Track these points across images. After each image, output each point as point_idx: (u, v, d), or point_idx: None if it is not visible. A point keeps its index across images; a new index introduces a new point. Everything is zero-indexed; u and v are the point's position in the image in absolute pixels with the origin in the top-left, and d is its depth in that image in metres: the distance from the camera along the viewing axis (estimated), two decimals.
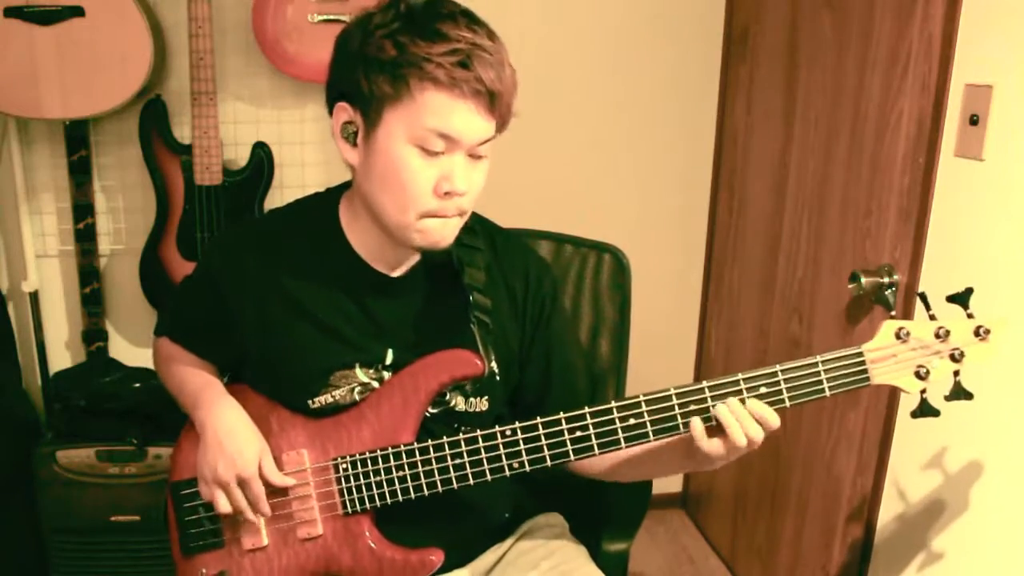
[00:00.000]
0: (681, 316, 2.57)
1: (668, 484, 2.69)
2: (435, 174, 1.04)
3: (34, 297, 2.16)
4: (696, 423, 1.04)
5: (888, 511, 1.70)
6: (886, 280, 1.63)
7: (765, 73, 2.16)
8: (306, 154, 2.20)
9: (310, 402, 1.16)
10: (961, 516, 1.51)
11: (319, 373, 1.15)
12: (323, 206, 1.19)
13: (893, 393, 1.66)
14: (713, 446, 1.05)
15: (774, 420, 1.05)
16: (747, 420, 1.04)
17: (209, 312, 1.20)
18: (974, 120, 1.43)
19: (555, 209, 2.00)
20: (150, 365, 2.09)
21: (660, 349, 2.52)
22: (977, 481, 1.47)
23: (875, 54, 1.69)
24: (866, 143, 1.73)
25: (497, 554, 1.29)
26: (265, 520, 1.16)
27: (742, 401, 1.04)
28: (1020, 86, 1.35)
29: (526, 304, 1.23)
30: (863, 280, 1.64)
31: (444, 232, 1.08)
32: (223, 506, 1.13)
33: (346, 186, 1.19)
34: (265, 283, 1.16)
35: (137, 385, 2.05)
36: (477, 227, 1.21)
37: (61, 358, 2.25)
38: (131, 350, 2.26)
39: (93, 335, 2.18)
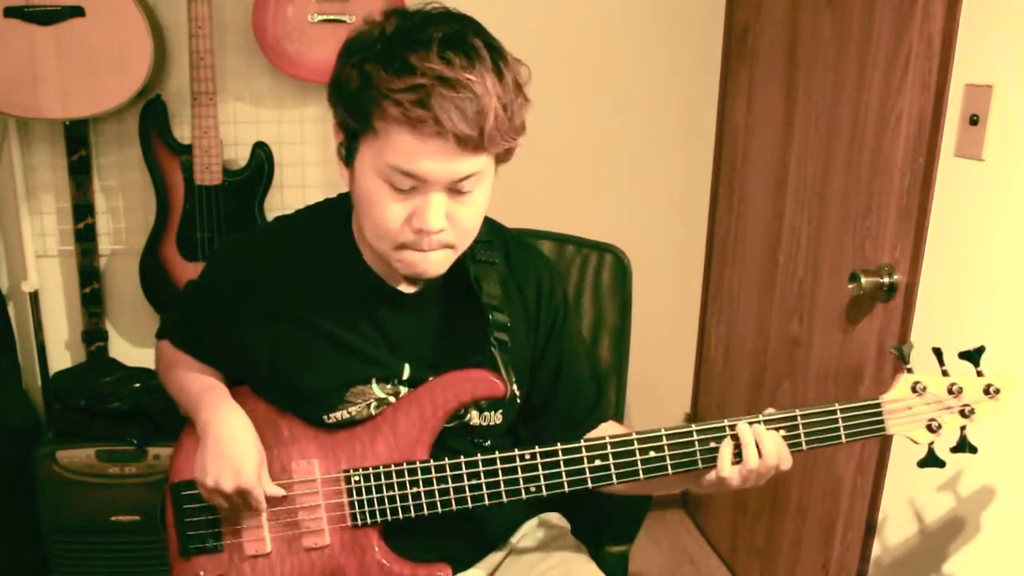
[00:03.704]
0: (681, 316, 2.57)
1: None
2: (407, 209, 1.00)
3: (34, 297, 2.16)
4: (724, 451, 1.05)
5: (888, 511, 1.70)
6: (886, 280, 1.63)
7: (765, 73, 2.16)
8: (306, 154, 2.20)
9: (325, 417, 1.14)
10: (961, 516, 1.51)
11: (335, 389, 1.13)
12: (334, 217, 1.16)
13: None
14: (732, 473, 1.06)
15: (787, 462, 1.06)
16: (768, 443, 1.05)
17: (215, 323, 1.19)
18: (974, 120, 1.43)
19: (556, 209, 2.00)
20: (150, 365, 2.09)
21: (660, 349, 2.52)
22: (977, 481, 1.47)
23: (875, 54, 1.69)
24: (866, 143, 1.73)
25: (499, 555, 1.29)
26: (269, 526, 1.15)
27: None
28: (1020, 86, 1.35)
29: (539, 313, 1.21)
30: (863, 280, 1.64)
31: (426, 265, 1.05)
32: (222, 507, 1.14)
33: None
34: (276, 298, 1.14)
35: (137, 385, 2.04)
36: (492, 236, 1.19)
37: (61, 358, 2.25)
38: (131, 350, 2.26)
39: (93, 335, 2.18)
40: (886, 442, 1.69)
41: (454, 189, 1.00)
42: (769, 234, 2.14)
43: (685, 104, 2.39)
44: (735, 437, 1.05)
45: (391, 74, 0.93)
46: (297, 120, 2.19)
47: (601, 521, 1.42)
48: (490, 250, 1.17)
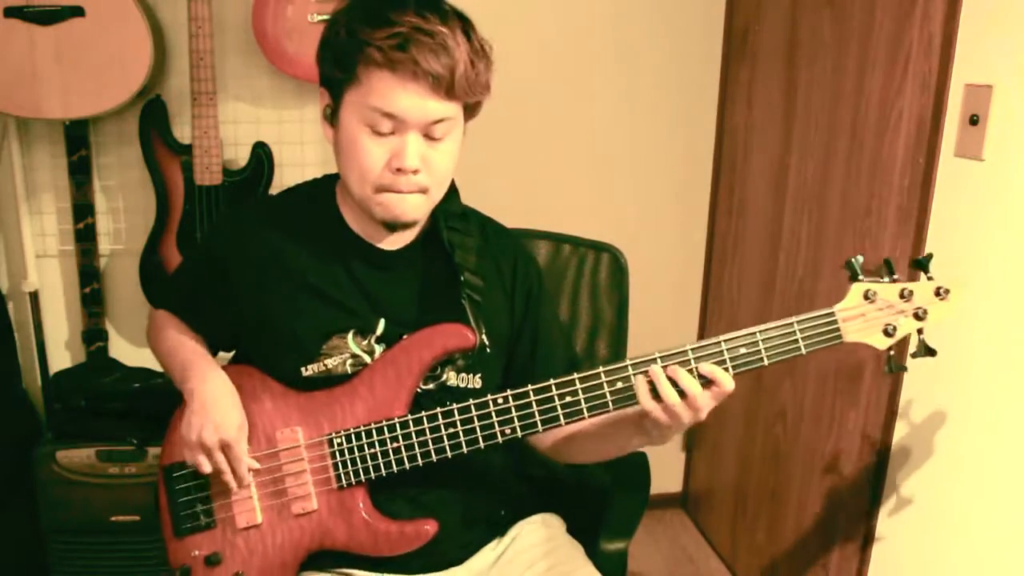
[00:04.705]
0: (681, 316, 2.57)
1: (668, 484, 2.69)
2: (387, 151, 1.09)
3: (34, 297, 2.16)
4: (640, 383, 1.07)
5: (888, 511, 1.70)
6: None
7: (765, 73, 2.16)
8: (306, 154, 2.20)
9: (303, 369, 1.19)
10: (962, 516, 1.51)
11: (314, 338, 1.19)
12: (321, 187, 1.26)
13: (893, 392, 1.66)
14: (652, 407, 1.07)
15: (727, 383, 1.07)
16: (683, 382, 1.06)
17: (208, 285, 1.25)
18: (974, 120, 1.43)
19: (555, 209, 2.00)
20: (150, 365, 2.11)
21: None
22: (978, 481, 1.47)
23: (875, 54, 1.69)
24: (866, 143, 1.73)
25: (494, 554, 1.29)
26: (259, 496, 1.18)
27: (692, 371, 1.07)
28: (1020, 86, 1.35)
29: (515, 287, 1.28)
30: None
31: (404, 207, 1.13)
32: (205, 468, 1.16)
33: None
34: (264, 256, 1.21)
35: (137, 385, 2.04)
36: (469, 216, 1.28)
37: (61, 358, 2.25)
38: (131, 350, 2.26)
39: (93, 335, 2.18)
40: (886, 440, 1.69)
41: (428, 134, 1.09)
42: (769, 234, 2.14)
43: (685, 104, 2.39)
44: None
45: (374, 27, 1.05)
46: (297, 120, 2.18)
47: (598, 517, 1.42)
48: (464, 223, 1.26)
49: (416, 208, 1.14)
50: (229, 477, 1.16)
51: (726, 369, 1.08)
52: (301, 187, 1.30)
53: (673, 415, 1.07)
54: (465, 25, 1.09)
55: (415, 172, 1.09)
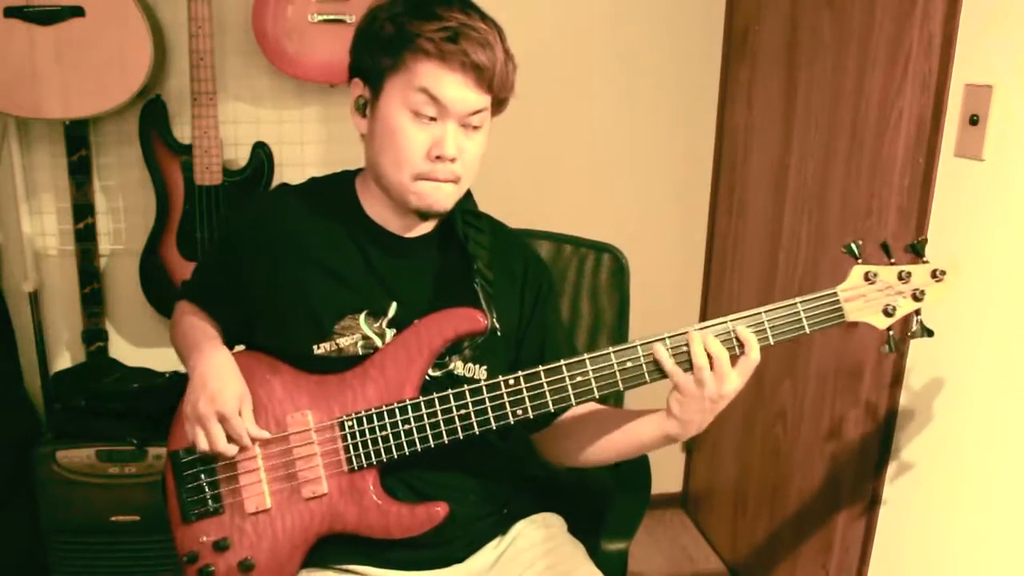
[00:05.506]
0: (681, 316, 2.57)
1: (668, 484, 2.69)
2: (427, 139, 1.13)
3: (34, 297, 2.16)
4: (660, 350, 1.10)
5: (888, 511, 1.70)
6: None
7: (765, 73, 2.16)
8: (306, 154, 2.20)
9: (315, 347, 1.20)
10: (962, 516, 1.51)
11: (327, 316, 1.20)
12: (340, 179, 1.29)
13: (894, 393, 1.66)
14: (682, 378, 1.10)
15: (754, 350, 1.10)
16: (712, 345, 1.09)
17: (224, 270, 1.28)
18: (974, 120, 1.43)
19: (555, 209, 2.00)
20: (150, 365, 2.11)
21: None
22: (979, 482, 1.47)
23: (875, 54, 1.69)
24: (866, 143, 1.73)
25: (495, 553, 1.29)
26: (268, 480, 1.18)
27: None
28: (1020, 86, 1.35)
29: (524, 286, 1.30)
30: None
31: (438, 195, 1.17)
32: (201, 443, 1.15)
33: (362, 168, 1.27)
34: (279, 237, 1.23)
35: (137, 385, 2.04)
36: (481, 216, 1.30)
37: (61, 358, 2.25)
38: (131, 350, 2.26)
39: (93, 335, 2.18)
40: (886, 442, 1.69)
41: (465, 124, 1.15)
42: (769, 234, 2.14)
43: (685, 104, 2.39)
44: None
45: (423, 20, 1.11)
46: (297, 120, 2.18)
47: (599, 517, 1.42)
48: (478, 222, 1.29)
49: (448, 197, 1.18)
50: (229, 448, 1.15)
51: (731, 348, 1.10)
52: (316, 178, 1.32)
53: (701, 381, 1.09)
54: (498, 27, 1.16)
55: (452, 160, 1.14)
